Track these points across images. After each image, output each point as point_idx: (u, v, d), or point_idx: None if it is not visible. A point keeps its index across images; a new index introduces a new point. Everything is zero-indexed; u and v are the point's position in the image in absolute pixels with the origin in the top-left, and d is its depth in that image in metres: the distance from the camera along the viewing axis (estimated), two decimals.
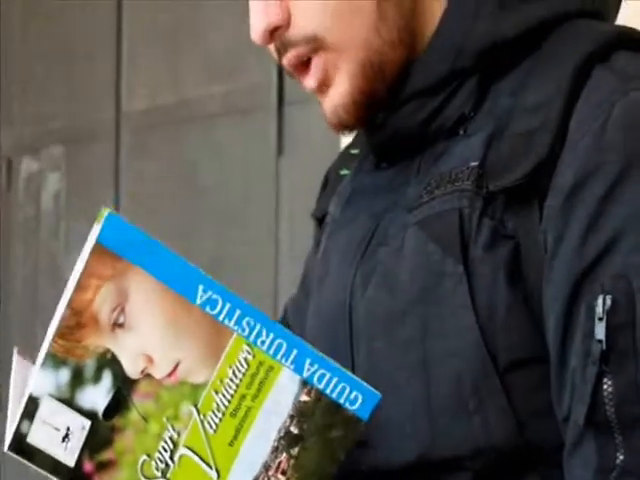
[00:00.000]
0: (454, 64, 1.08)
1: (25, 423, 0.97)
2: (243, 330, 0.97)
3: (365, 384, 0.98)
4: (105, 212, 0.93)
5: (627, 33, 1.05)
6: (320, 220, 1.27)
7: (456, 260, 1.01)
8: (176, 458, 0.98)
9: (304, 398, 0.99)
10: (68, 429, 0.97)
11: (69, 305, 0.94)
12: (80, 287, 0.94)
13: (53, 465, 0.97)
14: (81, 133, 3.73)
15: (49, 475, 0.98)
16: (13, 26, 4.14)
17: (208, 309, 0.96)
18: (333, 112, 1.10)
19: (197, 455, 0.99)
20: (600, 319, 0.94)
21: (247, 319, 0.97)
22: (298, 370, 0.98)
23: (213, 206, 3.16)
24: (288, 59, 1.09)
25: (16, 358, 1.08)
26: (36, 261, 3.95)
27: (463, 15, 1.09)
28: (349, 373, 0.98)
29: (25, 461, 0.97)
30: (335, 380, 0.98)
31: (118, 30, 3.52)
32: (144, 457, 0.98)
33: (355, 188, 1.19)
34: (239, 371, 0.98)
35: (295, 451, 1.00)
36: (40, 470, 0.98)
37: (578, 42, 1.03)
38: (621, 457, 0.94)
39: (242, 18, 3.08)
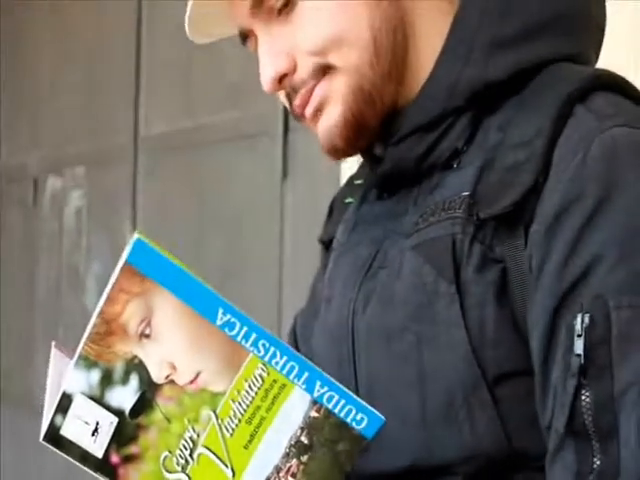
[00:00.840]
0: (447, 104, 1.07)
1: (59, 417, 0.97)
2: (259, 351, 0.97)
3: (370, 408, 0.98)
4: (136, 236, 0.93)
5: (604, 75, 1.05)
6: (326, 244, 1.27)
7: (449, 281, 1.02)
8: (195, 456, 0.99)
9: (314, 414, 0.99)
10: (97, 424, 0.97)
11: (100, 315, 0.94)
12: (110, 300, 0.94)
13: (83, 455, 0.98)
14: (101, 155, 3.73)
15: (79, 464, 0.99)
16: (43, 60, 4.14)
17: (227, 330, 0.96)
18: (327, 134, 1.10)
19: (214, 454, 0.99)
20: (579, 336, 0.94)
21: (262, 341, 0.97)
22: (309, 390, 0.98)
23: (222, 223, 3.14)
24: (299, 102, 1.09)
25: (54, 352, 1.09)
26: (59, 270, 3.94)
27: (455, 59, 1.08)
28: (356, 397, 0.98)
29: (58, 451, 0.98)
30: (343, 402, 0.98)
31: (137, 60, 3.52)
32: (166, 453, 0.98)
33: (360, 217, 1.19)
34: (254, 385, 0.98)
35: (305, 458, 1.00)
36: (71, 459, 0.99)
37: (560, 84, 1.03)
38: (598, 462, 0.94)
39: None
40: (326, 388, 0.98)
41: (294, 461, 1.00)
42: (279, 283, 2.85)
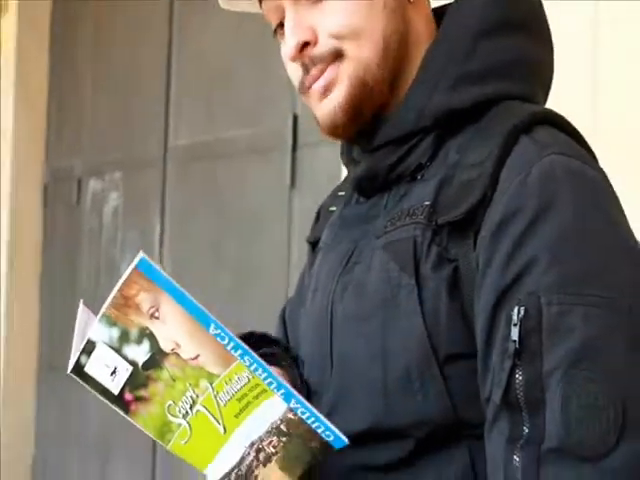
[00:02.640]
0: (416, 123, 1.10)
1: (84, 357, 1.01)
2: (244, 362, 1.00)
3: (336, 430, 1.01)
4: (140, 255, 0.97)
5: (546, 113, 1.08)
6: (313, 244, 1.29)
7: (410, 276, 1.04)
8: (194, 410, 1.02)
9: (290, 416, 1.02)
10: (115, 368, 1.01)
11: (120, 290, 0.98)
12: (127, 284, 0.98)
13: (102, 390, 1.02)
14: (135, 162, 3.73)
15: (99, 396, 1.02)
16: (87, 78, 4.13)
17: (218, 339, 1.00)
18: (330, 113, 1.12)
19: (210, 413, 1.02)
20: (515, 325, 0.96)
21: (247, 357, 1.00)
22: (286, 401, 1.01)
23: (238, 225, 3.14)
24: (312, 75, 1.11)
25: (81, 308, 1.12)
26: (98, 262, 3.94)
27: (426, 87, 1.10)
28: (324, 418, 1.01)
29: (82, 383, 1.02)
30: (313, 419, 1.01)
31: (167, 81, 3.51)
32: (170, 402, 1.02)
33: (342, 218, 1.21)
34: (242, 380, 1.01)
35: (284, 439, 1.03)
36: (92, 391, 1.02)
37: (509, 117, 1.06)
38: (526, 430, 0.95)
39: (267, 77, 3.09)
40: (300, 406, 1.01)
41: (274, 438, 1.03)
42: (287, 279, 2.86)
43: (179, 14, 3.48)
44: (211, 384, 1.01)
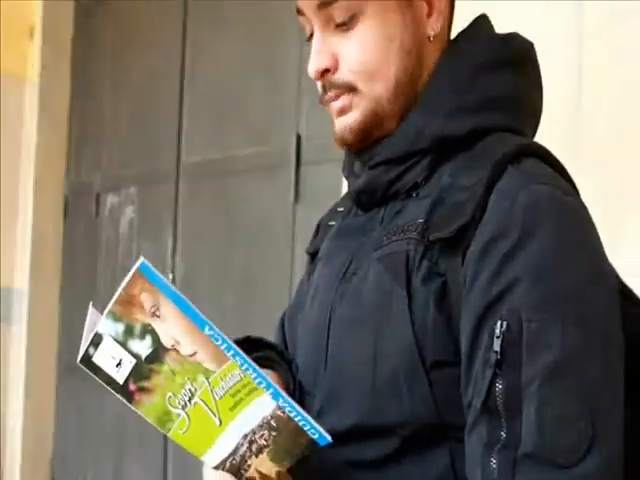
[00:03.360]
0: (414, 145, 1.11)
1: (92, 348, 1.03)
2: (237, 362, 1.02)
3: (321, 429, 1.02)
4: (141, 259, 1.00)
5: (533, 146, 1.10)
6: (312, 255, 1.30)
7: (402, 287, 1.05)
8: (192, 402, 1.03)
9: (279, 413, 1.03)
10: (121, 360, 1.03)
11: (124, 289, 1.00)
12: (130, 284, 1.00)
13: (109, 380, 1.04)
14: (150, 177, 3.73)
15: (105, 385, 1.04)
16: (105, 99, 4.13)
17: (212, 340, 1.01)
18: (342, 131, 1.14)
19: (207, 406, 1.04)
20: (497, 337, 0.97)
21: (238, 358, 1.01)
22: (275, 399, 1.02)
23: (245, 236, 3.14)
24: (328, 96, 1.13)
25: (90, 310, 1.14)
26: (114, 270, 3.92)
27: (426, 113, 1.12)
28: (310, 418, 1.02)
29: (90, 373, 1.04)
30: (299, 418, 1.02)
31: (180, 101, 3.51)
32: (170, 394, 1.04)
33: (341, 229, 1.22)
34: (235, 378, 1.02)
35: (274, 433, 1.04)
36: (99, 381, 1.04)
37: (499, 147, 1.07)
38: (504, 435, 0.97)
39: (274, 100, 3.11)
40: (287, 405, 1.03)
41: (266, 432, 1.04)
42: (290, 288, 2.85)
43: (192, 40, 3.48)
44: (207, 379, 1.02)
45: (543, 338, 0.96)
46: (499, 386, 0.97)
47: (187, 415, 1.04)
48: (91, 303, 1.16)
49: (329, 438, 1.03)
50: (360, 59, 1.11)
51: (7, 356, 4.27)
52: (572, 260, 1.00)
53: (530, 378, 0.96)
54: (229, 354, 1.02)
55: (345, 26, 1.11)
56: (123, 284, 1.01)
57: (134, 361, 1.03)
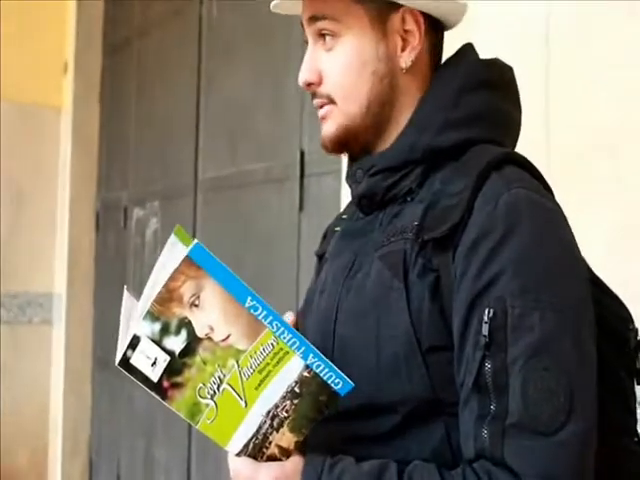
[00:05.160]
0: (408, 156, 1.12)
1: (129, 351, 1.00)
2: (273, 328, 1.00)
3: (345, 376, 1.02)
4: (196, 241, 0.99)
5: (513, 155, 1.10)
6: (320, 257, 1.31)
7: (400, 281, 1.06)
8: (221, 389, 1.02)
9: (305, 374, 1.02)
10: (156, 359, 1.01)
11: (165, 285, 0.98)
12: (173, 278, 0.98)
13: (144, 379, 1.01)
14: (171, 192, 3.72)
15: (140, 384, 1.01)
16: (130, 123, 4.15)
17: (252, 311, 1.00)
18: (323, 137, 1.15)
19: (234, 390, 1.02)
20: (485, 323, 0.98)
21: (276, 322, 1.00)
22: (304, 359, 1.01)
23: (255, 243, 3.14)
24: (315, 102, 1.15)
25: (125, 295, 1.13)
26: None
27: (417, 129, 1.12)
28: (336, 368, 1.02)
29: (127, 374, 1.01)
30: (326, 370, 1.02)
31: (197, 123, 3.50)
32: (200, 385, 1.01)
33: (345, 231, 1.23)
34: (266, 350, 1.01)
35: (296, 401, 1.03)
36: (135, 380, 1.02)
37: (483, 157, 1.07)
38: (493, 408, 0.98)
39: (280, 120, 3.09)
40: (316, 359, 1.02)
41: (288, 402, 1.03)
42: (296, 289, 2.84)
43: (206, 71, 3.49)
44: (237, 361, 1.01)
45: (525, 322, 0.97)
46: (488, 366, 0.98)
47: (215, 404, 1.02)
48: (125, 287, 1.15)
49: (351, 383, 1.02)
50: (336, 78, 1.12)
51: (49, 353, 4.29)
52: (548, 252, 1.01)
53: (514, 357, 0.97)
54: (266, 321, 1.00)
55: (329, 44, 1.12)
56: (165, 279, 0.99)
57: (168, 358, 1.01)
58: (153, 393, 1.02)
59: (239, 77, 3.24)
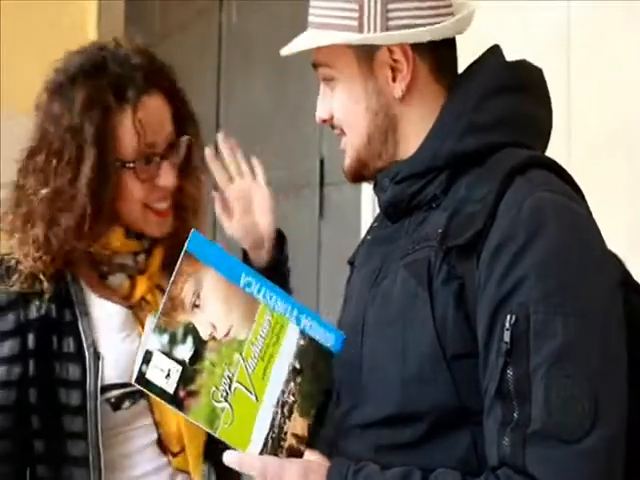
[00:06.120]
0: (432, 162, 1.12)
1: (144, 366, 1.02)
2: (266, 300, 1.05)
3: (336, 328, 1.09)
4: (193, 230, 1.04)
5: (540, 157, 1.10)
6: (351, 264, 1.31)
7: (424, 289, 1.06)
8: (232, 389, 1.04)
9: (302, 342, 1.06)
10: (169, 370, 1.03)
11: (168, 294, 1.03)
12: (174, 283, 1.03)
13: (160, 392, 1.03)
14: None
15: (157, 398, 1.03)
16: None
17: (247, 289, 1.04)
18: (344, 169, 1.20)
19: (244, 387, 1.04)
20: (507, 329, 0.98)
21: (269, 293, 1.05)
22: (298, 323, 1.06)
23: None
24: (336, 133, 1.19)
25: (149, 320, 1.18)
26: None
27: (440, 136, 1.12)
28: (327, 321, 1.08)
29: (144, 389, 1.03)
30: (318, 326, 1.07)
31: (216, 131, 3.50)
32: (213, 389, 1.03)
33: (372, 239, 1.24)
34: (264, 330, 1.05)
35: (298, 380, 1.06)
36: (152, 395, 1.04)
37: (507, 161, 1.07)
38: (516, 415, 0.97)
39: (299, 128, 3.09)
40: (309, 318, 1.08)
41: (292, 384, 1.06)
42: (317, 295, 2.85)
43: (225, 81, 3.52)
44: (241, 354, 1.04)
45: (548, 328, 0.97)
46: (510, 373, 0.97)
47: (230, 405, 1.04)
48: (152, 312, 1.19)
49: (342, 333, 1.08)
50: (339, 116, 1.17)
51: None
52: (574, 256, 1.00)
53: (537, 364, 0.96)
54: (261, 294, 1.05)
55: (331, 86, 1.17)
56: (168, 288, 1.03)
57: (180, 368, 1.03)
58: (171, 406, 1.03)
59: (258, 83, 3.25)
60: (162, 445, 1.42)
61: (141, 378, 1.02)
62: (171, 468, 1.43)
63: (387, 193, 1.16)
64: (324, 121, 1.19)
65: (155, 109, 1.44)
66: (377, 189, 1.20)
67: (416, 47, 1.12)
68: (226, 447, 1.06)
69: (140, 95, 1.41)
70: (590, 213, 1.07)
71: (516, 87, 1.13)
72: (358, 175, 1.19)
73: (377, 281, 1.14)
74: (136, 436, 1.41)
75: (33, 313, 1.37)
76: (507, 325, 0.98)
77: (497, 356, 0.98)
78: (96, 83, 1.39)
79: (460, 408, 1.03)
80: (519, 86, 1.14)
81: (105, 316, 1.38)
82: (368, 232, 1.30)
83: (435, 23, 1.11)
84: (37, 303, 1.37)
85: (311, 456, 1.08)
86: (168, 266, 1.38)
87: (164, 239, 1.48)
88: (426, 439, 1.05)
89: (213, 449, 1.41)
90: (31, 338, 1.36)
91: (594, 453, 0.94)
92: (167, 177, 1.44)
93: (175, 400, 1.03)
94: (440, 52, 1.15)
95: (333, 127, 1.19)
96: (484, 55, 1.18)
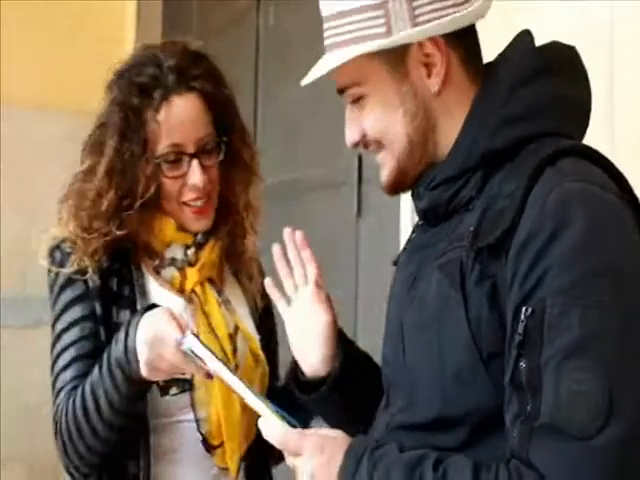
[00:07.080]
0: (466, 164, 1.11)
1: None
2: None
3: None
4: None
5: (576, 146, 1.08)
6: (396, 264, 1.30)
7: (457, 290, 1.06)
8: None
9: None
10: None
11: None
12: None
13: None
14: None
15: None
16: None
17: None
18: (382, 184, 1.19)
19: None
20: (522, 321, 0.97)
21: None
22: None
23: (315, 248, 3.05)
24: (370, 152, 1.18)
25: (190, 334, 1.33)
26: None
27: (471, 134, 1.11)
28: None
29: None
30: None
31: (254, 132, 3.50)
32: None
33: (412, 243, 1.24)
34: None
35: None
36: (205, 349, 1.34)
37: (539, 152, 1.05)
38: (529, 408, 0.97)
39: (337, 126, 3.08)
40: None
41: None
42: (355, 296, 2.84)
43: (263, 77, 3.53)
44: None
45: (564, 321, 0.95)
46: (522, 365, 0.97)
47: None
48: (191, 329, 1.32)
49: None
50: (373, 132, 1.15)
51: None
52: (601, 248, 0.98)
53: (549, 357, 0.95)
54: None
55: (360, 105, 1.16)
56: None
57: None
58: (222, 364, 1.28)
59: (296, 83, 3.23)
60: (206, 444, 1.45)
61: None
62: (216, 468, 1.45)
63: (424, 201, 1.16)
64: (356, 144, 1.18)
65: (185, 109, 1.49)
66: (414, 196, 1.20)
67: (446, 38, 1.12)
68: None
69: (168, 95, 1.46)
70: (624, 204, 1.04)
71: (548, 70, 1.11)
72: (398, 186, 1.18)
73: (414, 283, 1.14)
74: (180, 430, 1.43)
75: (96, 282, 1.45)
76: (522, 317, 0.97)
77: (511, 347, 0.99)
78: (128, 82, 1.49)
79: (498, 406, 1.02)
80: (550, 69, 1.11)
81: (164, 303, 1.43)
82: (412, 232, 1.30)
83: (458, 11, 1.11)
84: (98, 275, 1.46)
85: (332, 433, 1.10)
86: (220, 260, 1.52)
87: (218, 234, 1.52)
88: (470, 443, 1.04)
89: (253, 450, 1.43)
90: (97, 306, 1.44)
91: (606, 450, 0.92)
92: (195, 176, 1.50)
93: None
94: (467, 40, 1.15)
95: (366, 147, 1.18)
96: (513, 41, 1.16)
